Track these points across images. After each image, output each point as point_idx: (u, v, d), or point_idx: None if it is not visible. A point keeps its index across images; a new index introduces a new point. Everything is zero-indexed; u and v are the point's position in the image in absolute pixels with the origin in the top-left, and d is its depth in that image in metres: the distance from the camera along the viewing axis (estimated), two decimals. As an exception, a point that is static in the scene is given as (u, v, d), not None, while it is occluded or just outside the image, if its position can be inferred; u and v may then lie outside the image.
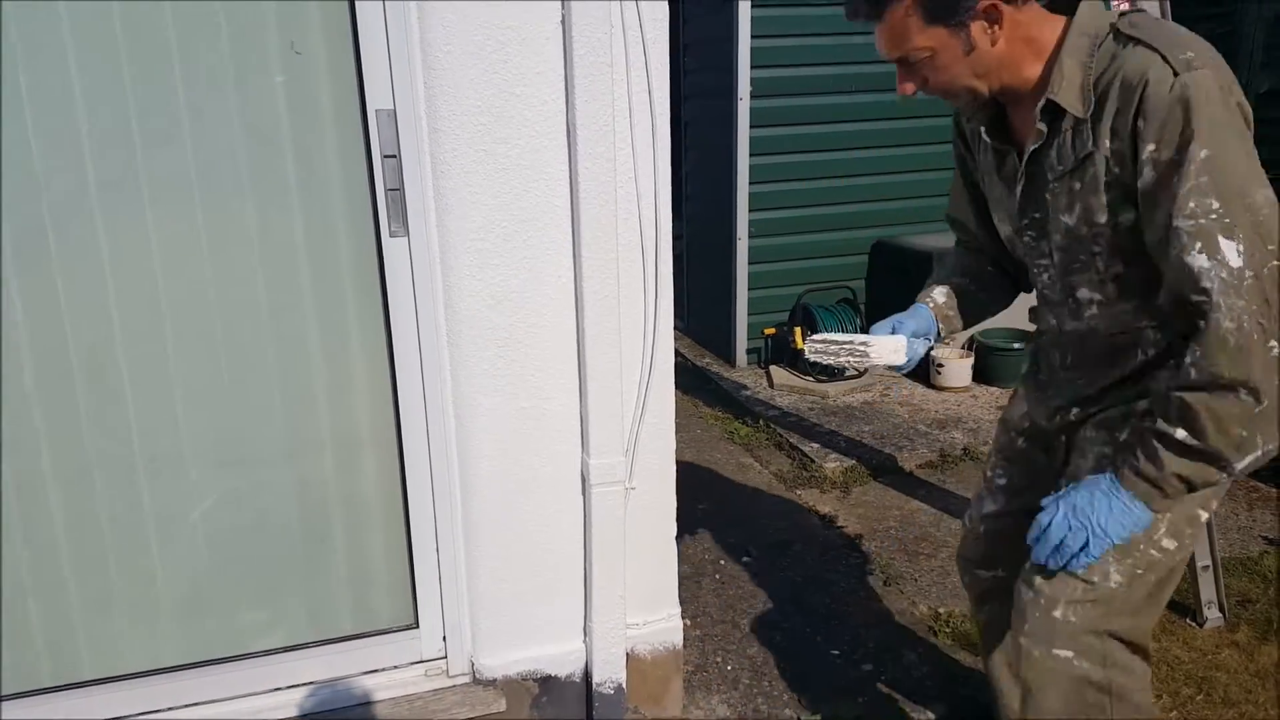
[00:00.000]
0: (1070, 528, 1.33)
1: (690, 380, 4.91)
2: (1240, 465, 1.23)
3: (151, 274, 1.72)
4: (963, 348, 4.64)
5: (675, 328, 6.05)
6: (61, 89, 1.59)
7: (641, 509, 2.01)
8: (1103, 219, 1.32)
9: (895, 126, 4.76)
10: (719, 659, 2.43)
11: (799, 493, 3.46)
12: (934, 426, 4.00)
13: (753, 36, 4.40)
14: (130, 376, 1.75)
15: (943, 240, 4.72)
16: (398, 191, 1.76)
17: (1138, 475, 1.28)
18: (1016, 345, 4.42)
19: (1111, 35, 1.28)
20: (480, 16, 1.64)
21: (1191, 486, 1.26)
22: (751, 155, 4.61)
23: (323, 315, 1.83)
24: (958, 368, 4.49)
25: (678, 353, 5.35)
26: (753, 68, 4.45)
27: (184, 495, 1.84)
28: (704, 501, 3.37)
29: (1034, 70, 1.35)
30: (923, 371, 4.65)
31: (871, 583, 2.79)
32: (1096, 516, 1.31)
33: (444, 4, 1.62)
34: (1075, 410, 1.52)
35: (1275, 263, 1.18)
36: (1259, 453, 1.22)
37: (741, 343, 4.98)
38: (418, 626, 2.01)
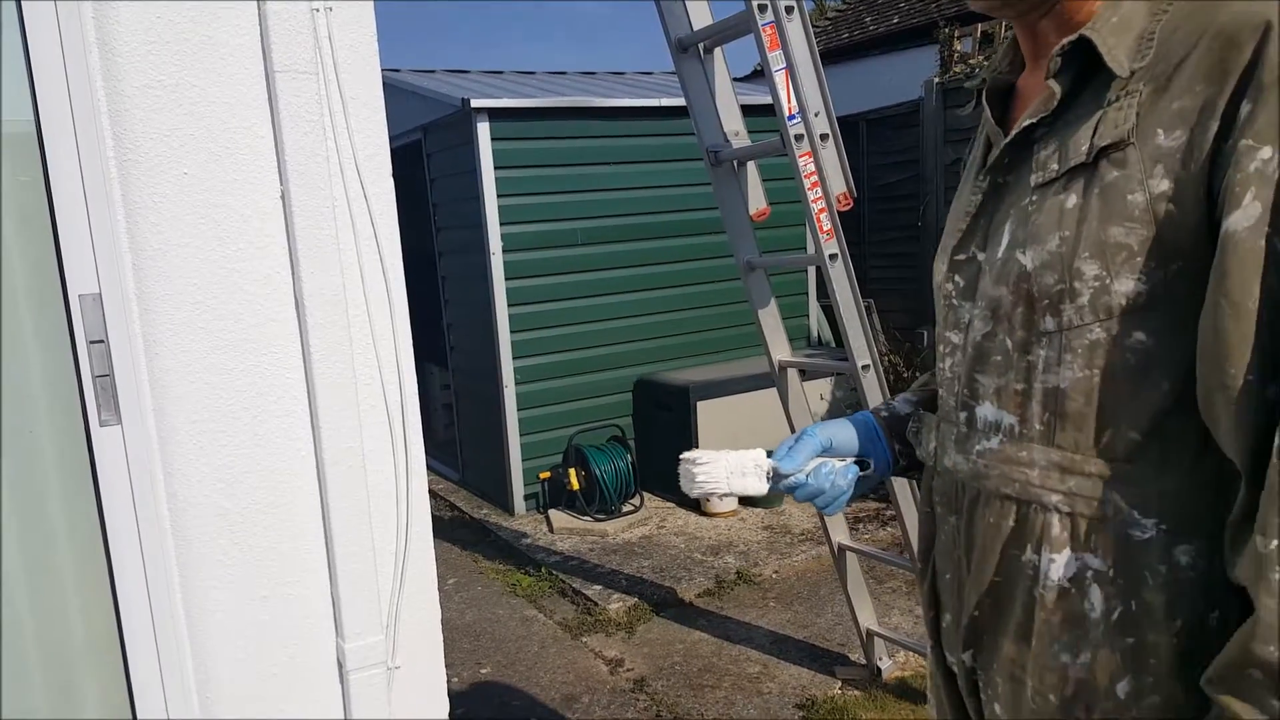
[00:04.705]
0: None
1: (469, 534, 4.78)
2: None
3: None
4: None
5: (452, 480, 5.91)
6: None
7: (409, 688, 1.88)
8: (1092, 270, 0.78)
9: (644, 273, 5.09)
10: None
11: (585, 639, 3.41)
12: (708, 554, 4.12)
13: (498, 196, 4.60)
14: None
15: (699, 374, 5.03)
16: (107, 378, 1.63)
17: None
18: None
19: None
20: (193, 197, 1.60)
21: None
22: (510, 306, 4.73)
23: (24, 520, 1.62)
24: (726, 492, 4.69)
25: (455, 507, 5.21)
26: (501, 224, 4.63)
27: None
28: (487, 665, 3.22)
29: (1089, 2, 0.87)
30: (693, 499, 4.80)
31: (661, 724, 2.76)
32: None
33: (152, 185, 1.57)
34: (960, 650, 0.98)
35: None
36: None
37: (519, 489, 4.95)
38: None
